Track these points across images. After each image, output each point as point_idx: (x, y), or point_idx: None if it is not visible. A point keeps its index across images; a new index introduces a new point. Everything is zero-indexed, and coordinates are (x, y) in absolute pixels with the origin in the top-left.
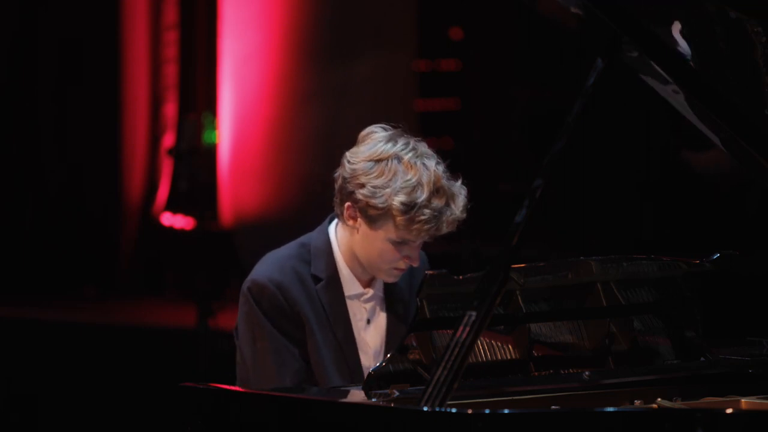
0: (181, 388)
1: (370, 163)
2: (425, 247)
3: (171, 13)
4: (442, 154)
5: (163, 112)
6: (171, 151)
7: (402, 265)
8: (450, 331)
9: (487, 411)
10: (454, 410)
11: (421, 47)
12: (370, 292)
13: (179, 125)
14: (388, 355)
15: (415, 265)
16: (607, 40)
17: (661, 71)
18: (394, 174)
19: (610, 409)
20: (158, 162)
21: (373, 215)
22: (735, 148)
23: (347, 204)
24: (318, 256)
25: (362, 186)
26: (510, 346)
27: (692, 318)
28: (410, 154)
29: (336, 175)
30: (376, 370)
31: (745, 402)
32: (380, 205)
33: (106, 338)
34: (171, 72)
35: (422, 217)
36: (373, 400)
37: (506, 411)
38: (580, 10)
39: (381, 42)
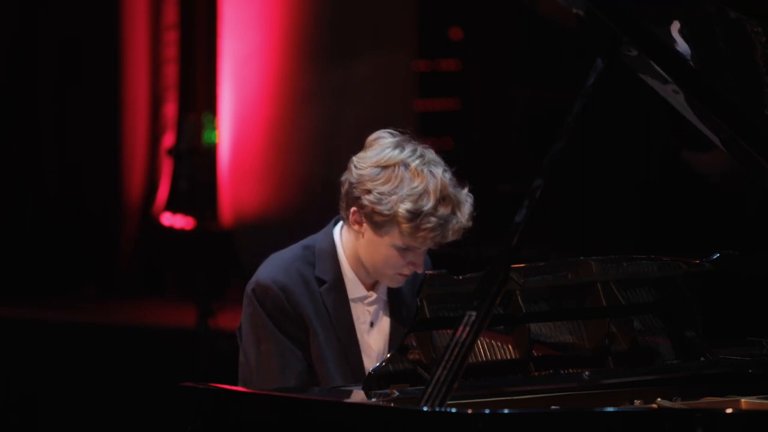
0: (181, 388)
1: (377, 169)
2: (431, 249)
3: (171, 13)
4: (441, 154)
5: (163, 112)
6: (171, 151)
7: (406, 270)
8: (450, 331)
9: (487, 411)
10: (454, 410)
11: (421, 47)
12: (374, 295)
13: (179, 125)
14: (388, 355)
15: (420, 271)
16: (607, 40)
17: (661, 71)
18: (401, 181)
19: (610, 409)
20: (158, 162)
21: (378, 221)
22: (735, 148)
23: (353, 209)
24: (322, 258)
25: (368, 192)
26: (510, 346)
27: (692, 318)
28: (417, 161)
29: (342, 179)
30: (376, 370)
31: (745, 402)
32: (386, 212)
33: (106, 338)
34: (171, 72)
35: (428, 225)
36: (373, 400)
37: (506, 411)
38: (580, 10)
39: (381, 42)
